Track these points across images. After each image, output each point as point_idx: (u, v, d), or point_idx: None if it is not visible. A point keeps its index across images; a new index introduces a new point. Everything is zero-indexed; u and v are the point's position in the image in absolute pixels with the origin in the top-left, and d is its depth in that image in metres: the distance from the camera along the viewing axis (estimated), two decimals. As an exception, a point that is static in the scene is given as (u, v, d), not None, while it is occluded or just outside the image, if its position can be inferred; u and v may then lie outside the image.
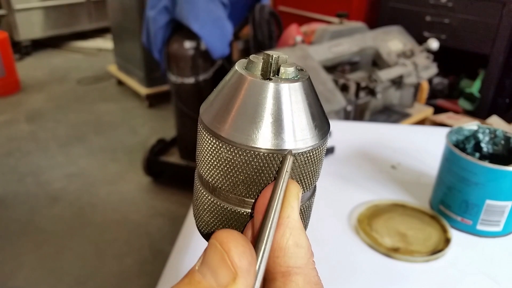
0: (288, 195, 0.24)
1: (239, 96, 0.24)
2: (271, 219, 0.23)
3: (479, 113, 2.55)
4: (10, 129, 2.97)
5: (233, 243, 0.21)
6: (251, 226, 0.25)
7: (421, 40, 2.13)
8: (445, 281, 0.66)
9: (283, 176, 0.24)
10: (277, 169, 0.25)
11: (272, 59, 0.25)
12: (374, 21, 2.89)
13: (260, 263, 0.22)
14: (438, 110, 2.55)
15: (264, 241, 0.23)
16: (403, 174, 0.94)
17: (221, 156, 0.25)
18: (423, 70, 1.96)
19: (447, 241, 0.72)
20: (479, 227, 0.74)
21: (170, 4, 1.89)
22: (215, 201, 0.27)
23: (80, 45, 4.73)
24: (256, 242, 0.23)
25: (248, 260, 0.21)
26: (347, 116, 1.66)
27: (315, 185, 0.29)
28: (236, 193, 0.26)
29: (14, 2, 4.04)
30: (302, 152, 0.25)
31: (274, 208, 0.24)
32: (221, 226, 0.27)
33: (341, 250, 0.72)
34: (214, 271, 0.21)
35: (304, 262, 0.24)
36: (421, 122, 2.13)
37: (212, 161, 0.25)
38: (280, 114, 0.24)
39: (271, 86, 0.24)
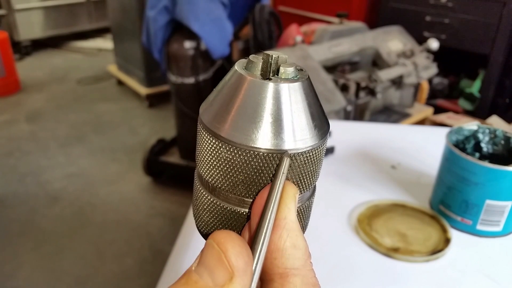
0: (285, 196, 0.24)
1: (239, 96, 0.24)
2: (267, 221, 0.23)
3: (479, 113, 2.55)
4: (10, 129, 2.97)
5: (230, 243, 0.21)
6: (248, 228, 0.25)
7: (421, 40, 2.13)
8: (445, 281, 0.66)
9: (280, 177, 0.24)
10: (276, 168, 0.25)
11: (271, 59, 0.25)
12: (374, 21, 2.89)
13: (257, 264, 0.22)
14: (438, 110, 2.55)
15: (260, 242, 0.23)
16: (403, 174, 0.94)
17: (220, 156, 0.25)
18: (423, 70, 1.96)
19: (447, 241, 0.72)
20: (479, 227, 0.74)
21: (170, 4, 1.89)
22: (214, 201, 0.27)
23: (80, 45, 4.73)
24: (252, 243, 0.23)
25: (244, 260, 0.21)
26: (347, 116, 1.66)
27: (315, 185, 0.29)
28: (235, 193, 0.26)
29: (14, 2, 4.04)
30: (302, 152, 0.25)
31: (270, 210, 0.24)
32: (220, 226, 0.27)
33: (341, 250, 0.72)
34: (211, 271, 0.21)
35: (301, 263, 0.24)
36: (421, 122, 2.13)
37: (211, 161, 0.25)
38: (279, 114, 0.24)
39: (270, 86, 0.24)
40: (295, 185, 0.26)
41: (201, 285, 0.21)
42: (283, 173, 0.24)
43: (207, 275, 0.21)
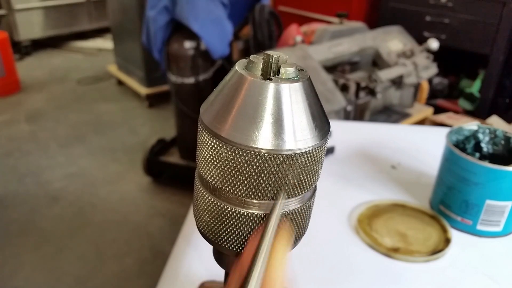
0: (275, 256, 0.24)
1: (239, 96, 0.24)
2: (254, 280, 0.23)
3: (479, 113, 2.54)
4: (10, 129, 2.97)
5: None
6: (239, 266, 0.25)
7: (421, 40, 2.13)
8: (445, 281, 0.66)
9: (268, 235, 0.24)
10: (277, 169, 0.25)
11: (272, 59, 0.25)
12: (374, 21, 2.89)
13: None
14: (438, 110, 2.55)
15: None
16: (403, 174, 0.94)
17: (221, 156, 0.25)
18: (423, 70, 1.96)
19: (447, 241, 0.72)
20: (479, 227, 0.74)
21: (170, 4, 1.89)
22: (215, 201, 0.27)
23: (80, 45, 4.73)
24: None
25: None
26: (347, 116, 1.66)
27: (316, 185, 0.29)
28: (236, 194, 0.26)
29: (14, 2, 4.03)
30: (303, 153, 0.25)
31: (258, 270, 0.23)
32: (221, 226, 0.27)
33: (341, 250, 0.72)
34: None
35: None
36: (421, 122, 2.13)
37: (212, 161, 0.25)
38: (280, 114, 0.24)
39: (271, 86, 0.24)
40: (296, 186, 0.26)
41: None
42: (271, 229, 0.24)
43: None
